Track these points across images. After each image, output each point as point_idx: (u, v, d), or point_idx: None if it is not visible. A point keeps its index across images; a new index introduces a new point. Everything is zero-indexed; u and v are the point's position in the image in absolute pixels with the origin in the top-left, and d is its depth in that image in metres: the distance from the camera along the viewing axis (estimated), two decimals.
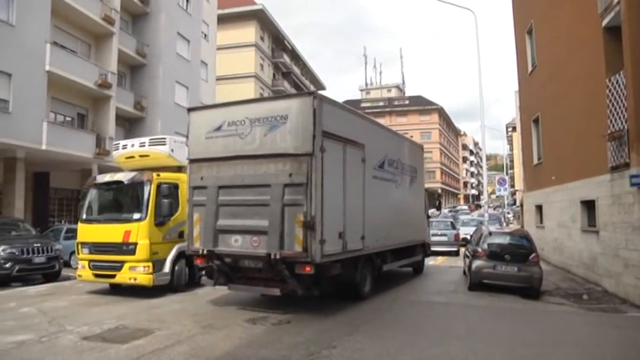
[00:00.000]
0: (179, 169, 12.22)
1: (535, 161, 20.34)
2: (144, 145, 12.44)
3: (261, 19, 45.18)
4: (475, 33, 23.85)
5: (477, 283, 11.93)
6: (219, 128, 9.31)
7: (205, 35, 34.57)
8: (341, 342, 7.14)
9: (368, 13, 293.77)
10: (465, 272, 14.05)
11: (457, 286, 13.00)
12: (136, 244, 10.70)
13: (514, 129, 62.72)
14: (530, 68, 20.54)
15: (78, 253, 11.66)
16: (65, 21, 21.65)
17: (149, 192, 10.96)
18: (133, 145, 12.65)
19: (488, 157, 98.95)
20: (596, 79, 12.35)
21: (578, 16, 14.03)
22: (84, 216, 11.82)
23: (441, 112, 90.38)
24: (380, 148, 11.39)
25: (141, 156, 12.38)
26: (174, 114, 28.02)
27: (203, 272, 11.46)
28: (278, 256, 8.28)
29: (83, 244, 11.52)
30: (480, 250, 12.02)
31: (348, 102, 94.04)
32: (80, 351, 6.67)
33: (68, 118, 22.50)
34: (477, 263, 11.88)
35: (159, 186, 11.10)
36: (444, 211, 44.47)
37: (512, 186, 62.34)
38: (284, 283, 8.75)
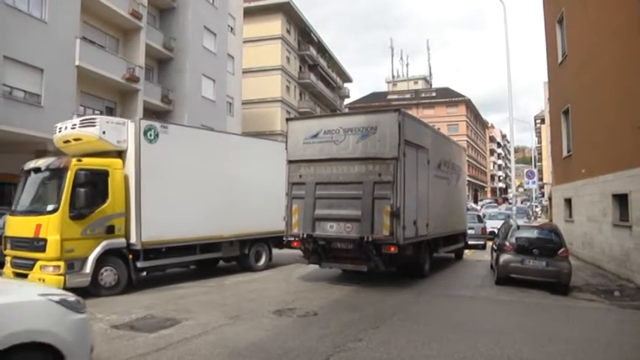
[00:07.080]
0: (119, 154, 10.57)
1: (564, 154, 19.89)
2: (75, 127, 10.70)
3: (288, 11, 45.06)
4: (504, 23, 23.38)
5: (504, 278, 11.76)
6: (315, 135, 11.24)
7: (232, 28, 34.69)
8: (367, 335, 7.14)
9: (393, 4, 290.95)
10: (492, 266, 13.87)
11: (484, 280, 12.85)
12: (45, 240, 9.20)
13: (543, 121, 61.33)
14: (560, 58, 20.03)
15: (4, 249, 10.27)
16: (94, 17, 22.00)
17: (65, 180, 9.47)
18: (66, 128, 10.89)
19: (516, 150, 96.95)
20: (631, 68, 11.99)
21: (613, 3, 13.61)
22: (13, 207, 10.47)
23: (468, 103, 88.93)
24: (438, 152, 13.34)
25: (75, 139, 10.73)
26: (202, 107, 28.37)
27: (145, 274, 11.08)
28: (370, 239, 10.18)
29: (7, 238, 10.15)
30: (507, 244, 11.83)
31: (374, 94, 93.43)
32: (110, 338, 6.81)
33: (97, 112, 22.83)
34: (504, 257, 11.71)
35: (77, 173, 9.58)
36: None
37: (541, 179, 61.13)
38: (369, 261, 10.63)
